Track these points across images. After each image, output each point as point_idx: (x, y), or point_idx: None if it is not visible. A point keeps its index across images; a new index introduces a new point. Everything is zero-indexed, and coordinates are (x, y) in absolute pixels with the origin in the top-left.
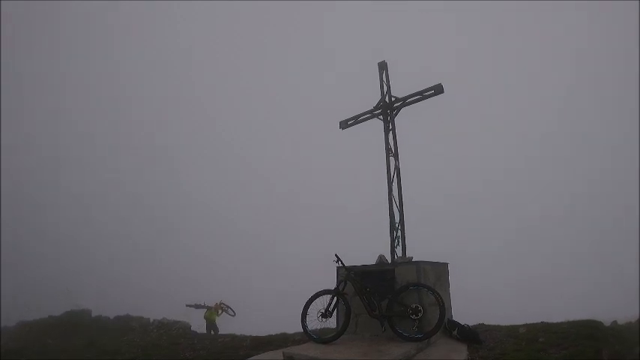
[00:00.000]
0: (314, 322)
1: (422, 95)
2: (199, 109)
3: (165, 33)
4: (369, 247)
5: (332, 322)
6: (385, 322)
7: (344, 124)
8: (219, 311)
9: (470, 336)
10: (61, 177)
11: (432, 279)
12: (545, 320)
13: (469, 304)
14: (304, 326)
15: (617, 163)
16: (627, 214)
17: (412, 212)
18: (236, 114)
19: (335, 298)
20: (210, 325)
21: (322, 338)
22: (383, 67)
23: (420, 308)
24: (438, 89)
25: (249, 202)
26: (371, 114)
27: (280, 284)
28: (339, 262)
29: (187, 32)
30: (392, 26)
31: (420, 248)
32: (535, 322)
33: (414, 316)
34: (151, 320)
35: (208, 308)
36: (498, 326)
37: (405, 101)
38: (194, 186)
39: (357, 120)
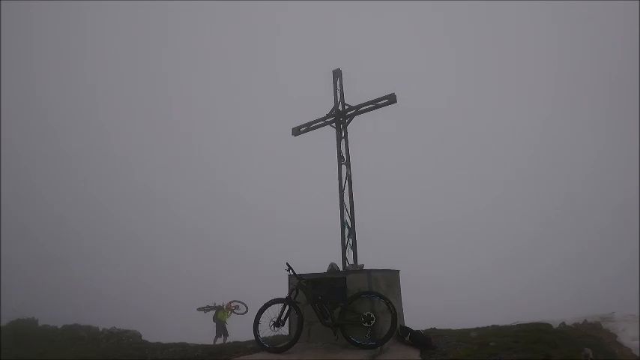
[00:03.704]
0: (266, 331)
1: (375, 104)
2: (160, 111)
3: (131, 31)
4: (320, 255)
5: (285, 330)
6: (338, 330)
7: (296, 131)
8: (229, 312)
9: (422, 341)
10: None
11: (383, 287)
12: (495, 324)
13: (422, 310)
14: (256, 335)
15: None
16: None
17: (364, 220)
18: (192, 115)
19: (287, 306)
20: (221, 327)
21: (275, 347)
22: (337, 74)
23: (373, 316)
24: (391, 99)
25: (201, 204)
26: (324, 121)
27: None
28: (290, 271)
29: (148, 32)
30: (352, 30)
31: (372, 256)
32: (486, 325)
33: (366, 324)
34: (100, 329)
35: (219, 309)
36: (450, 330)
37: (357, 110)
38: (144, 186)
39: (309, 127)
